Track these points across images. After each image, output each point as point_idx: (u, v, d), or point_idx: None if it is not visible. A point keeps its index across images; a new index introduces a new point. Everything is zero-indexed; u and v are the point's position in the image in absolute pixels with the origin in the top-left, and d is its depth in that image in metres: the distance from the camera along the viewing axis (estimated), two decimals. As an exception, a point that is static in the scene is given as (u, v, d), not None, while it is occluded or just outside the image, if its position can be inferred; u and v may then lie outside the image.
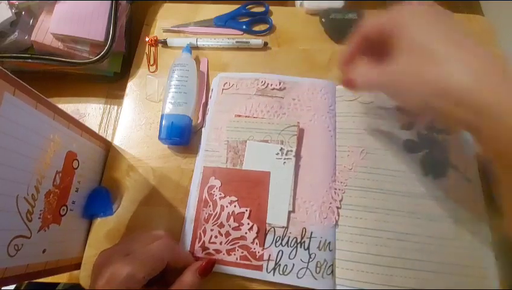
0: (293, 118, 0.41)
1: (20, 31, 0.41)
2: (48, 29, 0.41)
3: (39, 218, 0.29)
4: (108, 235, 0.37)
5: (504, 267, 0.33)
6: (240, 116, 0.41)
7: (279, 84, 0.43)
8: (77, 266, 0.36)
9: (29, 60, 0.41)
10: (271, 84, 0.43)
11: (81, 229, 0.37)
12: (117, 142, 0.42)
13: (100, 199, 0.38)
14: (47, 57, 0.41)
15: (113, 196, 0.38)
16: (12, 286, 0.42)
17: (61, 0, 0.42)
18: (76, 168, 0.35)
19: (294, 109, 0.41)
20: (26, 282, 0.42)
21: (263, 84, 0.43)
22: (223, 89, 0.43)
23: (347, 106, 0.41)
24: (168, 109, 0.40)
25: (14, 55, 0.41)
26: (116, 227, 0.37)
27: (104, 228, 0.37)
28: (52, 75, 0.45)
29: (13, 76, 0.25)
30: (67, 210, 0.33)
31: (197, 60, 0.46)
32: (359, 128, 0.40)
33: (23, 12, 0.42)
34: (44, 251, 0.30)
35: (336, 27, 0.47)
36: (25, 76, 0.27)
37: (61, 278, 0.36)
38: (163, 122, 0.39)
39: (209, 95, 0.44)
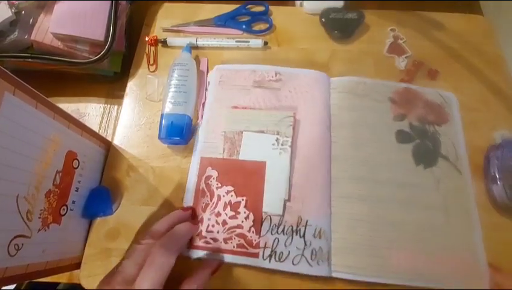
0: (289, 109, 0.41)
1: (20, 31, 0.41)
2: (48, 28, 0.41)
3: (39, 218, 0.29)
4: (109, 235, 0.37)
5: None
6: (236, 107, 0.42)
7: (276, 76, 0.43)
8: (77, 266, 0.36)
9: (29, 60, 0.41)
10: (267, 76, 0.43)
11: (81, 229, 0.37)
12: (117, 141, 0.42)
13: (100, 199, 0.38)
14: (47, 56, 0.41)
15: (113, 196, 0.38)
16: (13, 286, 0.42)
17: (61, 0, 0.42)
18: (76, 168, 0.35)
19: (291, 100, 0.42)
20: (26, 281, 0.42)
21: (259, 76, 0.43)
22: (219, 81, 0.44)
23: (341, 98, 0.42)
24: (168, 108, 0.40)
25: (14, 54, 0.41)
26: (116, 227, 0.37)
27: (104, 227, 0.37)
28: (52, 74, 0.45)
29: (13, 75, 0.25)
30: (67, 210, 0.33)
31: (197, 60, 0.46)
32: (353, 119, 0.40)
33: (23, 12, 0.41)
34: (44, 251, 0.30)
35: (336, 27, 0.47)
36: (24, 76, 0.27)
37: (62, 278, 0.36)
38: (163, 122, 0.39)
39: (206, 87, 0.44)
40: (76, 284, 0.36)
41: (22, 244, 0.27)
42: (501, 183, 0.36)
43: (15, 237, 0.26)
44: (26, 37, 0.41)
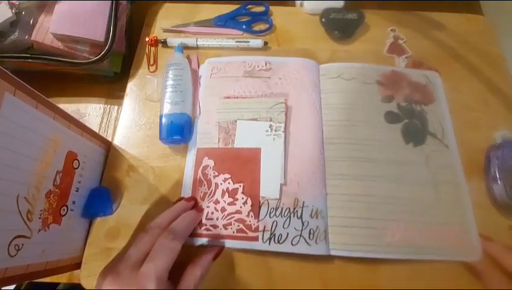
0: (280, 97, 0.42)
1: (20, 31, 0.41)
2: (48, 29, 0.41)
3: (39, 218, 0.29)
4: (109, 235, 0.37)
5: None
6: (229, 97, 0.42)
7: (266, 65, 0.44)
8: (77, 266, 0.36)
9: (30, 60, 0.41)
10: (257, 66, 0.44)
11: (82, 229, 0.37)
12: (117, 142, 0.42)
13: (100, 199, 0.38)
14: (47, 57, 0.41)
15: (113, 196, 0.38)
16: (13, 286, 0.42)
17: (61, 0, 0.42)
18: (76, 168, 0.35)
19: (281, 88, 0.43)
20: (26, 282, 0.42)
21: (250, 66, 0.44)
22: (211, 74, 0.44)
23: (331, 83, 0.43)
24: (166, 108, 0.40)
25: (14, 55, 0.41)
26: (116, 226, 0.37)
27: (104, 227, 0.37)
28: (52, 75, 0.45)
29: (13, 76, 0.25)
30: (67, 210, 0.34)
31: (188, 59, 0.46)
32: (343, 103, 0.42)
33: (23, 12, 0.42)
34: (44, 251, 0.30)
35: (336, 27, 0.47)
36: (25, 76, 0.27)
37: (62, 278, 0.36)
38: (163, 122, 0.39)
39: (198, 81, 0.44)
40: (76, 284, 0.36)
41: (22, 244, 0.27)
42: (501, 183, 0.36)
43: (15, 238, 0.26)
44: (26, 37, 0.41)
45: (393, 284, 0.34)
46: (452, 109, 0.42)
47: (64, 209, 0.33)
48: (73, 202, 0.35)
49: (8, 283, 0.26)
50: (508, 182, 0.36)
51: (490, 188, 0.37)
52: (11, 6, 0.41)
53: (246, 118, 0.40)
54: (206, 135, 0.41)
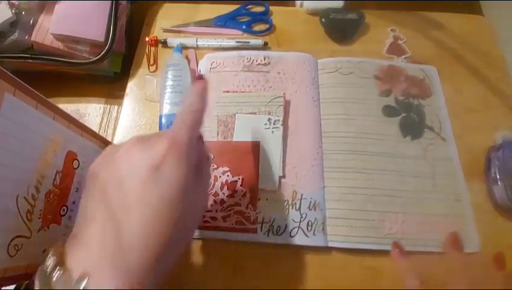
0: (278, 91, 0.42)
1: (20, 31, 0.41)
2: (48, 29, 0.41)
3: (39, 218, 0.29)
4: (109, 235, 0.37)
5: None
6: (228, 91, 0.43)
7: (264, 60, 0.45)
8: (77, 266, 0.36)
9: (29, 60, 0.41)
10: (256, 60, 0.45)
11: (81, 229, 0.37)
12: (117, 142, 0.42)
13: (100, 199, 0.38)
14: (47, 57, 0.41)
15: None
16: (13, 286, 0.42)
17: (61, 0, 0.42)
18: (76, 168, 0.35)
19: (280, 82, 0.43)
20: (26, 282, 0.42)
21: (249, 61, 0.45)
22: (210, 68, 0.45)
23: (329, 78, 0.44)
24: (166, 109, 0.40)
25: (14, 55, 0.41)
26: (116, 227, 0.37)
27: (104, 228, 0.37)
28: (52, 75, 0.45)
29: (13, 76, 0.25)
30: (67, 210, 0.33)
31: (187, 59, 0.46)
32: (341, 97, 0.42)
33: (23, 13, 0.42)
34: (44, 251, 0.30)
35: (336, 27, 0.47)
36: (25, 76, 0.27)
37: (61, 278, 0.36)
38: (163, 123, 0.39)
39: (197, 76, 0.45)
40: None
41: (22, 244, 0.27)
42: (502, 184, 0.36)
43: (15, 238, 0.26)
44: (26, 37, 0.41)
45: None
46: (452, 110, 0.42)
47: (64, 210, 0.33)
48: (73, 202, 0.35)
49: (7, 283, 0.26)
50: (508, 183, 0.36)
51: (491, 190, 0.37)
52: (11, 6, 0.41)
53: (245, 112, 0.41)
54: (205, 128, 0.41)
